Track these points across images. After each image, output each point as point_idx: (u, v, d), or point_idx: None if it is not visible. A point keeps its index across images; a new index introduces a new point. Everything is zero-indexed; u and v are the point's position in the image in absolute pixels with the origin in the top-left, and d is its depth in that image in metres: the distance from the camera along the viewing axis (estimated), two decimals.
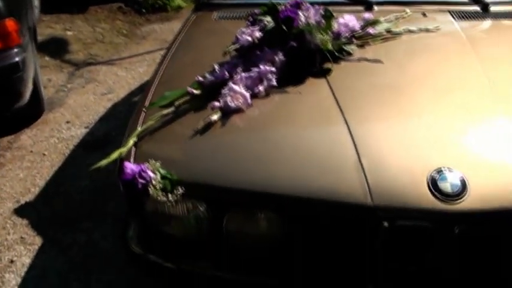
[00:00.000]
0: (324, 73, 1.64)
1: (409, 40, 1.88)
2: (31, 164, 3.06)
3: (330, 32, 1.69)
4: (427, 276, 1.30)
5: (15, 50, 2.97)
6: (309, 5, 1.69)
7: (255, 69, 1.56)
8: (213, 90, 1.56)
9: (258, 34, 1.65)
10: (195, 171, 1.36)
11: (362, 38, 1.83)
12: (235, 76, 1.56)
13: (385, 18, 1.99)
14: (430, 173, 1.26)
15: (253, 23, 1.71)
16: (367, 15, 1.92)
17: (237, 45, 1.66)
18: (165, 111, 1.52)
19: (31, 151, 3.20)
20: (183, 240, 1.43)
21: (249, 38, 1.63)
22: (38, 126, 3.52)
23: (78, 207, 2.63)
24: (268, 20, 1.66)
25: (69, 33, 5.13)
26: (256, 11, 1.76)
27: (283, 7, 1.66)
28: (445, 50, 1.82)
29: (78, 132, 3.41)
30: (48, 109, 3.72)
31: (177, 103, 1.55)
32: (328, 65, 1.65)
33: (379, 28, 1.88)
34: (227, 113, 1.49)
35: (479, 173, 1.28)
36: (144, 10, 5.72)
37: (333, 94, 1.52)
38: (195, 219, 1.38)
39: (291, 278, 1.35)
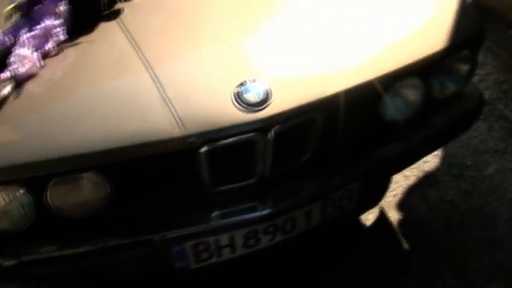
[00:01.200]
0: (116, 15, 1.55)
1: None
2: None
3: None
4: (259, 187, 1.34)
5: None
6: None
7: (39, 26, 1.44)
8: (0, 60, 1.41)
9: None
10: (0, 155, 1.24)
11: None
12: (19, 39, 1.42)
13: None
14: (234, 89, 1.26)
15: None
16: None
17: (13, 4, 1.51)
18: None
19: None
20: (15, 232, 1.33)
21: None
22: None
23: None
24: None
25: None
26: None
27: None
28: None
29: None
30: None
31: None
32: (118, 6, 1.57)
33: None
34: (20, 81, 1.37)
35: (281, 78, 1.31)
36: None
37: (127, 34, 1.45)
38: (19, 206, 1.29)
39: (131, 231, 1.32)
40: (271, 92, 1.26)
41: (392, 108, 1.48)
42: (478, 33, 1.57)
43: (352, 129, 1.42)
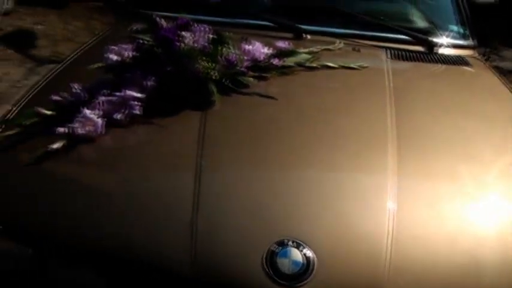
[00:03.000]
0: (205, 106, 1.40)
1: (321, 77, 1.66)
2: None
3: (222, 59, 1.46)
4: None
5: None
6: (198, 26, 1.46)
7: (118, 94, 1.32)
8: (68, 112, 1.32)
9: (129, 53, 1.42)
10: (11, 214, 1.13)
11: (266, 69, 1.59)
12: (94, 99, 1.32)
13: (306, 50, 1.76)
14: (270, 245, 1.02)
15: (131, 40, 1.49)
16: (282, 44, 1.70)
17: (100, 64, 1.43)
18: (7, 133, 1.29)
19: None
20: None
21: (117, 58, 1.40)
22: None
23: None
24: (147, 38, 1.42)
25: (39, 27, 4.94)
26: (139, 26, 1.53)
27: (165, 25, 1.43)
28: (357, 94, 1.59)
29: None
30: None
31: (25, 122, 1.31)
32: (213, 97, 1.41)
33: (291, 60, 1.65)
34: (74, 141, 1.26)
35: (332, 251, 1.04)
36: None
37: (201, 131, 1.29)
38: None
39: None
40: (314, 266, 0.99)
41: None
42: None
43: None
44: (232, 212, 1.09)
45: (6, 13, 4.68)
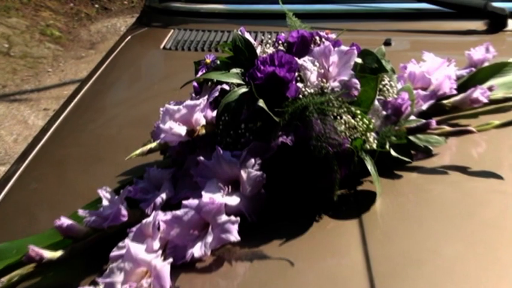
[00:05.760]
0: (359, 205, 1.30)
1: None
2: None
3: (378, 107, 1.33)
4: None
5: None
6: (328, 43, 1.33)
7: (192, 203, 1.21)
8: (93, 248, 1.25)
9: (202, 119, 1.29)
10: None
11: (456, 110, 1.49)
12: (146, 218, 1.21)
13: None
14: None
15: (197, 91, 1.39)
16: (478, 53, 1.57)
17: (148, 146, 1.30)
18: None
19: None
20: None
21: (181, 133, 1.27)
22: None
23: None
24: (233, 80, 1.30)
25: None
26: (210, 56, 1.42)
27: (266, 53, 1.30)
28: None
29: None
30: None
31: (6, 278, 1.19)
32: (374, 186, 1.30)
33: (505, 86, 1.52)
34: None
35: None
36: None
37: (362, 261, 1.18)
38: None
39: None
40: None
41: None
42: None
43: None
44: None
45: None
